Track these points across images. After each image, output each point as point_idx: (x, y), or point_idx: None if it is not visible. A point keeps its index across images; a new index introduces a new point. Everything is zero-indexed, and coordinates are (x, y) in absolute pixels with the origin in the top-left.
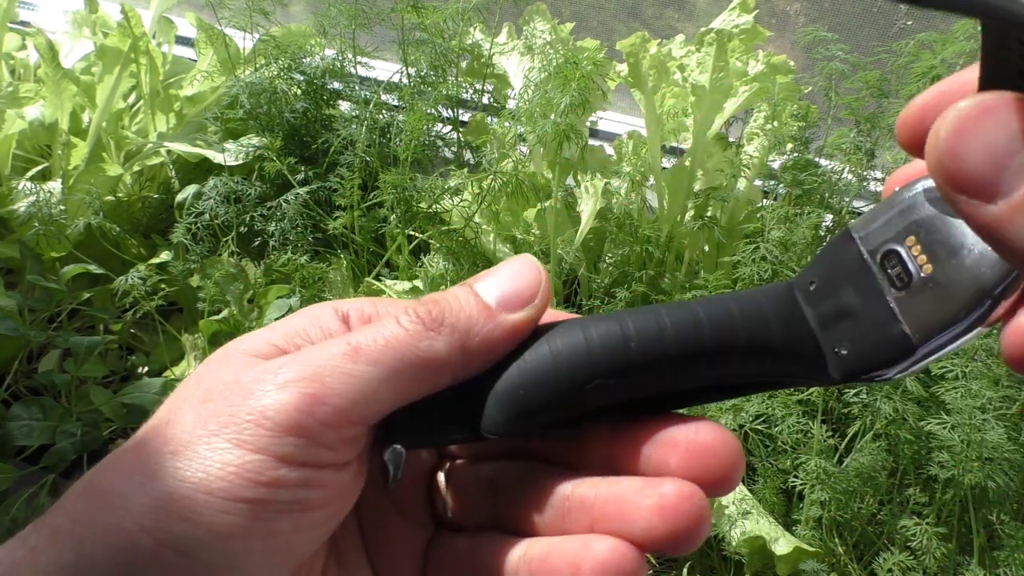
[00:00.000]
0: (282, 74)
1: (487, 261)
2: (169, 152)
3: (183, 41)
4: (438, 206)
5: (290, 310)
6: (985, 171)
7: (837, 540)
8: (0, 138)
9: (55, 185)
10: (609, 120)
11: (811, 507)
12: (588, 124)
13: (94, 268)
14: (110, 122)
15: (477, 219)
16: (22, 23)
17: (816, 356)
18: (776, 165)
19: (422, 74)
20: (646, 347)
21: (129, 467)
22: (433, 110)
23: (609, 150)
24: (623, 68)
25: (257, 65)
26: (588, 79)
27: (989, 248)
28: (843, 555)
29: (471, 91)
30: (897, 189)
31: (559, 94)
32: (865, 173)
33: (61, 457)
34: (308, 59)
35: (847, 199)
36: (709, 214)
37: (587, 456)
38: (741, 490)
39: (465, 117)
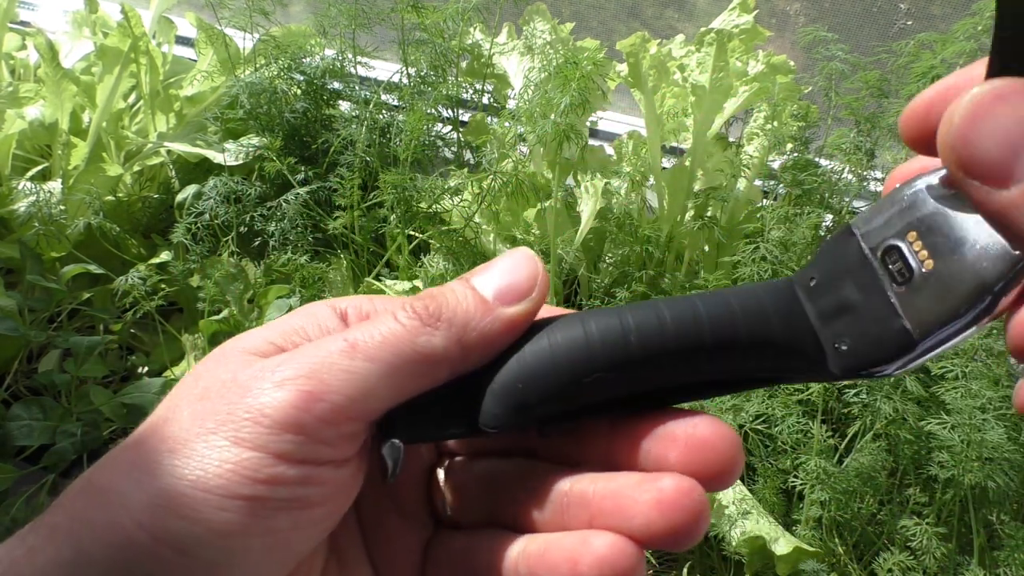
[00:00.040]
0: (282, 74)
1: (487, 261)
2: (169, 152)
3: (183, 41)
4: (438, 206)
5: (290, 310)
6: (998, 157)
7: (837, 540)
8: (0, 138)
9: (55, 185)
10: (609, 120)
11: (811, 507)
12: (588, 124)
13: (94, 268)
14: (110, 122)
15: (477, 219)
16: (22, 23)
17: (816, 351)
18: (776, 165)
19: (422, 74)
20: (645, 341)
21: (127, 465)
22: (433, 110)
23: (609, 150)
24: (623, 68)
25: (257, 65)
26: (588, 79)
27: (991, 243)
28: (843, 555)
29: (471, 91)
30: (898, 186)
31: (559, 94)
32: (865, 173)
33: (61, 457)
34: (308, 59)
35: (847, 199)
36: (709, 214)
37: (586, 452)
38: (741, 490)
39: (465, 117)
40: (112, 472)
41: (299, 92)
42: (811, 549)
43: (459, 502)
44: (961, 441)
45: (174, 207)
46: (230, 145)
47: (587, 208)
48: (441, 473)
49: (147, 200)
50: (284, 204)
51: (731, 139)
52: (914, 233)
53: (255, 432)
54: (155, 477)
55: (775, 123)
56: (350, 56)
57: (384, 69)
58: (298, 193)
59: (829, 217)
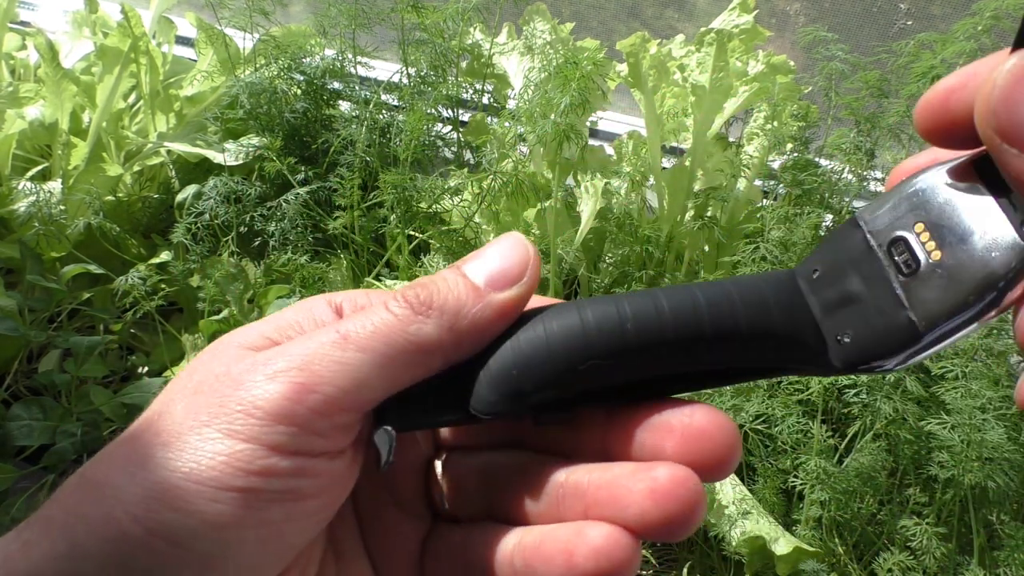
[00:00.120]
0: (282, 74)
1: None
2: (169, 152)
3: (183, 41)
4: (438, 206)
5: None
6: None
7: (837, 540)
8: (0, 138)
9: (55, 185)
10: (609, 120)
11: (811, 507)
12: (588, 124)
13: (94, 268)
14: (110, 122)
15: (477, 219)
16: (22, 23)
17: (817, 344)
18: (776, 165)
19: (422, 74)
20: (643, 329)
21: (121, 459)
22: (433, 110)
23: (609, 150)
24: (623, 68)
25: (257, 65)
26: (588, 79)
27: (1001, 234)
28: (843, 555)
29: (471, 91)
30: (906, 178)
31: (559, 94)
32: (865, 173)
33: (61, 457)
34: (308, 59)
35: (847, 199)
36: (709, 214)
37: (582, 443)
38: (741, 490)
39: (465, 117)
40: (106, 466)
41: (299, 92)
42: (811, 549)
43: (456, 495)
44: (961, 441)
45: (174, 207)
46: (230, 145)
47: (587, 208)
48: (438, 466)
49: (147, 200)
50: (284, 204)
51: (731, 139)
52: (921, 224)
53: (248, 424)
54: (149, 470)
55: (775, 123)
56: (350, 56)
57: (384, 69)
58: (298, 193)
59: (829, 217)
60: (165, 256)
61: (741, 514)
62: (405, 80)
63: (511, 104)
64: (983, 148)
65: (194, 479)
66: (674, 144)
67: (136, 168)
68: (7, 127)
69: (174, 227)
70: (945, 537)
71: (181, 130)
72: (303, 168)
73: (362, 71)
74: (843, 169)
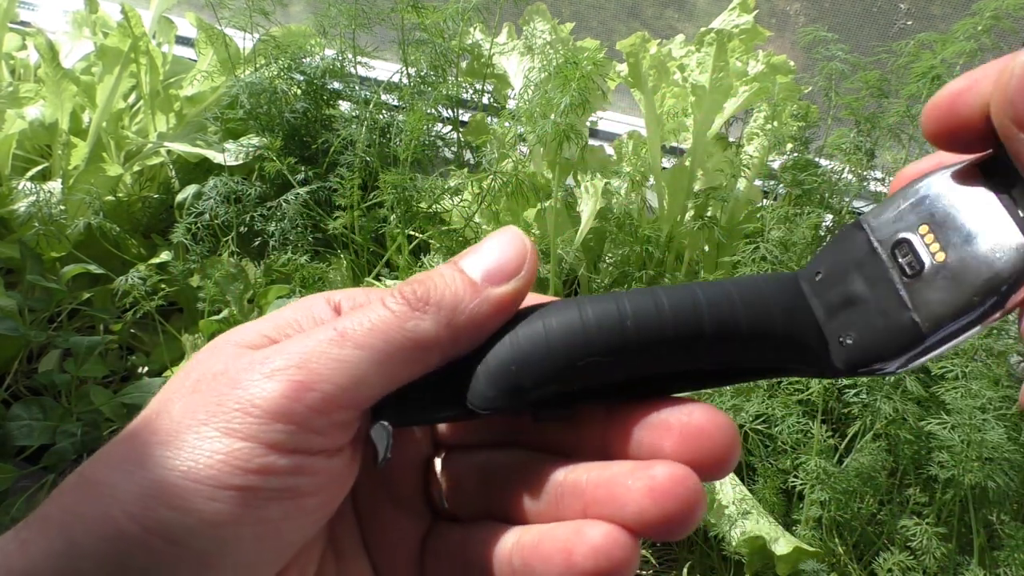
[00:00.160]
0: (282, 74)
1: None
2: (169, 152)
3: (183, 41)
4: (438, 206)
5: None
6: None
7: (837, 540)
8: (0, 138)
9: (55, 185)
10: (609, 120)
11: (811, 507)
12: (588, 124)
13: (94, 268)
14: (110, 122)
15: (477, 219)
16: (22, 23)
17: (819, 345)
18: (776, 165)
19: (422, 74)
20: (642, 326)
21: (119, 458)
22: (433, 110)
23: (609, 150)
24: (623, 68)
25: (257, 65)
26: (588, 79)
27: (1007, 236)
28: (843, 555)
29: (471, 91)
30: (911, 182)
31: (559, 94)
32: (865, 173)
33: (61, 457)
34: (308, 59)
35: (847, 199)
36: (709, 214)
37: (581, 441)
38: (741, 490)
39: (465, 117)
40: (104, 465)
41: (299, 92)
42: (811, 549)
43: (456, 494)
44: (961, 441)
45: (174, 207)
46: (230, 145)
47: (587, 208)
48: (438, 464)
49: (147, 200)
50: (284, 204)
51: (731, 139)
52: (925, 227)
53: (245, 422)
54: (146, 468)
55: (775, 123)
56: (350, 56)
57: (384, 69)
58: (298, 193)
59: (829, 217)
60: (165, 256)
61: (741, 514)
62: (405, 80)
63: (511, 104)
64: (989, 152)
65: (192, 477)
66: (674, 144)
67: (136, 168)
68: (7, 127)
69: (174, 227)
70: (945, 537)
71: (181, 130)
72: (303, 168)
73: (362, 71)
74: (843, 169)
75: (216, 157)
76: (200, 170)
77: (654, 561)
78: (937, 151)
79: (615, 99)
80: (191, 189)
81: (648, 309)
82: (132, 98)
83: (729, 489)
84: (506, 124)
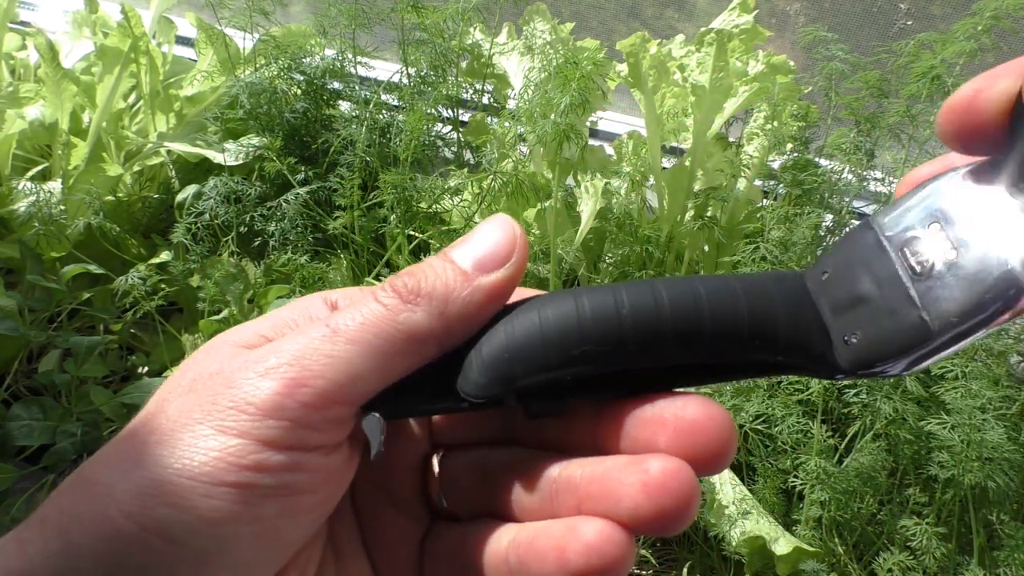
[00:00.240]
0: (282, 74)
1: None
2: (169, 152)
3: (183, 41)
4: (438, 206)
5: None
6: None
7: (837, 540)
8: (0, 138)
9: (55, 185)
10: (609, 120)
11: (811, 507)
12: (588, 124)
13: (94, 268)
14: (110, 122)
15: (477, 219)
16: (22, 23)
17: (823, 344)
18: (776, 165)
19: (422, 74)
20: (639, 318)
21: (116, 458)
22: (433, 110)
23: (609, 150)
24: (623, 68)
25: (257, 65)
26: (588, 79)
27: (1020, 234)
28: (843, 555)
29: (471, 91)
30: (921, 184)
31: (559, 94)
32: (865, 173)
33: (61, 457)
34: (308, 59)
35: (847, 199)
36: (709, 214)
37: (576, 437)
38: (741, 490)
39: (465, 117)
40: (102, 466)
41: (299, 92)
42: (811, 549)
43: (453, 493)
44: (961, 441)
45: (174, 207)
46: (230, 145)
47: (587, 208)
48: (435, 465)
49: (147, 200)
50: (284, 204)
51: (731, 139)
52: (937, 225)
53: (239, 420)
54: (142, 467)
55: (775, 123)
56: (350, 56)
57: (384, 69)
58: (298, 193)
59: (829, 217)
60: (165, 256)
61: (741, 514)
62: (405, 80)
63: (511, 104)
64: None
65: (187, 475)
66: (674, 144)
67: (136, 168)
68: (7, 127)
69: (174, 227)
70: (945, 537)
71: (181, 130)
72: (303, 168)
73: (362, 71)
74: (843, 169)
75: (216, 157)
76: (200, 170)
77: (654, 561)
78: (942, 155)
79: (615, 99)
80: (191, 189)
81: (646, 300)
82: (132, 98)
83: (729, 489)
84: (506, 124)
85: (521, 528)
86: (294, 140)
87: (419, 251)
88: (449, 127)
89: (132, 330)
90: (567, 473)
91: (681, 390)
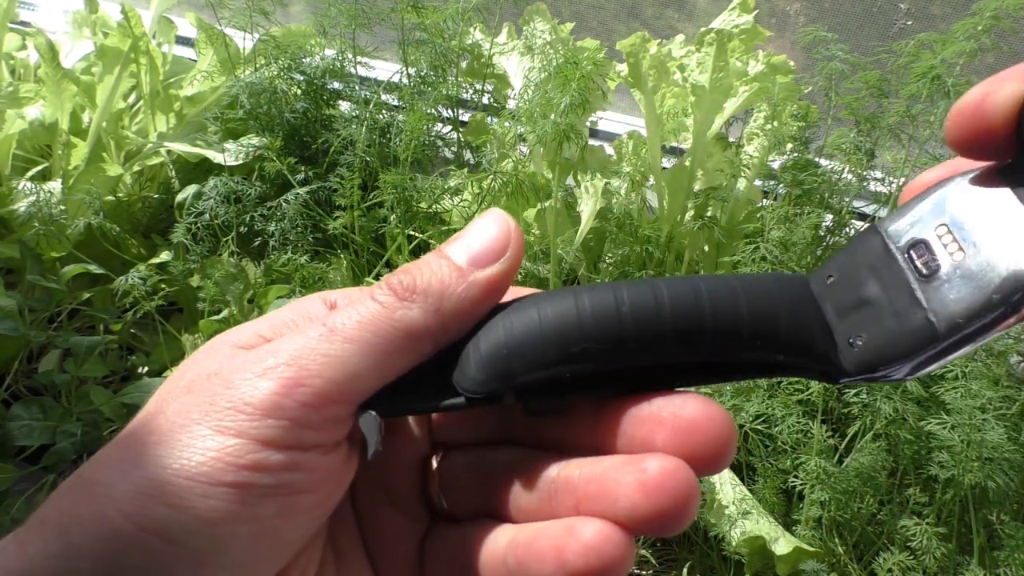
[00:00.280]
0: (282, 74)
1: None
2: (169, 152)
3: (183, 41)
4: (438, 206)
5: None
6: None
7: (837, 540)
8: (0, 138)
9: (55, 185)
10: (609, 120)
11: (811, 507)
12: (588, 124)
13: (94, 268)
14: (110, 122)
15: None
16: (22, 23)
17: (827, 346)
18: (776, 165)
19: (422, 74)
20: (640, 316)
21: (115, 459)
22: (433, 110)
23: (609, 150)
24: (623, 68)
25: (257, 65)
26: (588, 79)
27: None
28: (843, 555)
29: (471, 91)
30: (927, 189)
31: (559, 94)
32: (865, 173)
33: (61, 457)
34: (308, 59)
35: (847, 199)
36: (709, 214)
37: (574, 437)
38: (741, 490)
39: (465, 117)
40: (102, 466)
41: (299, 92)
42: (811, 549)
43: (453, 494)
44: (961, 441)
45: (174, 207)
46: (230, 145)
47: (587, 208)
48: (434, 466)
49: (147, 200)
50: (284, 204)
51: (731, 139)
52: (944, 227)
53: (237, 420)
54: (141, 468)
55: (775, 123)
56: (350, 56)
57: (384, 69)
58: (298, 193)
59: (829, 217)
60: (165, 256)
61: (741, 514)
62: (405, 80)
63: (511, 104)
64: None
65: (185, 475)
66: (674, 144)
67: (136, 168)
68: (7, 127)
69: (174, 227)
70: (945, 537)
71: (181, 130)
72: (303, 168)
73: (362, 71)
74: (843, 169)
75: (216, 157)
76: (200, 170)
77: (654, 561)
78: (943, 156)
79: (615, 99)
80: (191, 189)
81: (646, 298)
82: (132, 98)
83: (729, 489)
84: (506, 124)
85: (520, 529)
86: (294, 140)
87: (419, 251)
88: (449, 127)
89: (132, 330)
90: (565, 473)
91: (681, 389)
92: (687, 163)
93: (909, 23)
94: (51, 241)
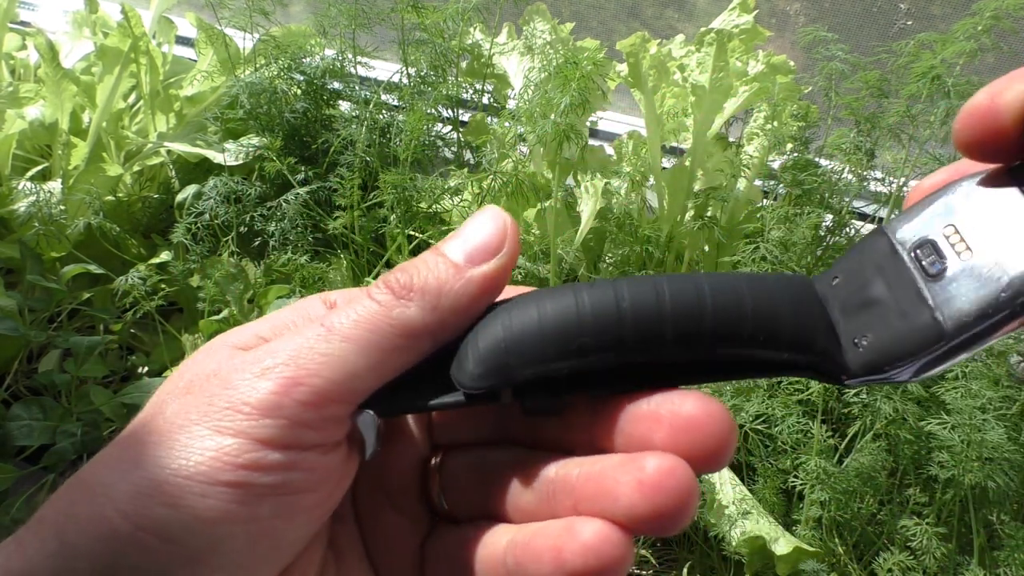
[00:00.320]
0: (282, 74)
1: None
2: (169, 152)
3: (183, 41)
4: (438, 206)
5: None
6: None
7: (837, 540)
8: (0, 138)
9: (55, 185)
10: (609, 120)
11: (811, 507)
12: (588, 124)
13: (94, 268)
14: (110, 122)
15: None
16: (22, 23)
17: (831, 346)
18: (776, 165)
19: (422, 74)
20: (640, 313)
21: (114, 459)
22: (433, 110)
23: (609, 150)
24: (623, 68)
25: (257, 65)
26: (588, 79)
27: None
28: (843, 555)
29: (471, 91)
30: (933, 192)
31: (559, 94)
32: (865, 173)
33: (61, 457)
34: (308, 59)
35: (847, 199)
36: (709, 214)
37: (573, 436)
38: (741, 490)
39: (465, 117)
40: (101, 467)
41: (299, 92)
42: (811, 549)
43: (453, 494)
44: (961, 441)
45: (174, 207)
46: (230, 145)
47: (587, 208)
48: (434, 467)
49: (147, 200)
50: (284, 204)
51: (731, 139)
52: (951, 228)
53: (235, 420)
54: (139, 468)
55: (775, 123)
56: (350, 56)
57: (384, 69)
58: (298, 193)
59: (829, 217)
60: (165, 256)
61: (741, 514)
62: (405, 80)
63: (511, 104)
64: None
65: (183, 475)
66: (674, 144)
67: (136, 168)
68: (7, 127)
69: (174, 227)
70: (945, 537)
71: (181, 130)
72: (303, 168)
73: (362, 71)
74: (843, 169)
75: (216, 157)
76: (200, 170)
77: (654, 561)
78: (943, 157)
79: (615, 99)
80: (191, 189)
81: (647, 294)
82: (132, 98)
83: (729, 489)
84: (506, 124)
85: (519, 529)
86: (294, 140)
87: (419, 251)
88: (449, 127)
89: (132, 330)
90: (564, 473)
91: (681, 388)
92: (687, 163)
93: (909, 23)
94: (51, 241)
